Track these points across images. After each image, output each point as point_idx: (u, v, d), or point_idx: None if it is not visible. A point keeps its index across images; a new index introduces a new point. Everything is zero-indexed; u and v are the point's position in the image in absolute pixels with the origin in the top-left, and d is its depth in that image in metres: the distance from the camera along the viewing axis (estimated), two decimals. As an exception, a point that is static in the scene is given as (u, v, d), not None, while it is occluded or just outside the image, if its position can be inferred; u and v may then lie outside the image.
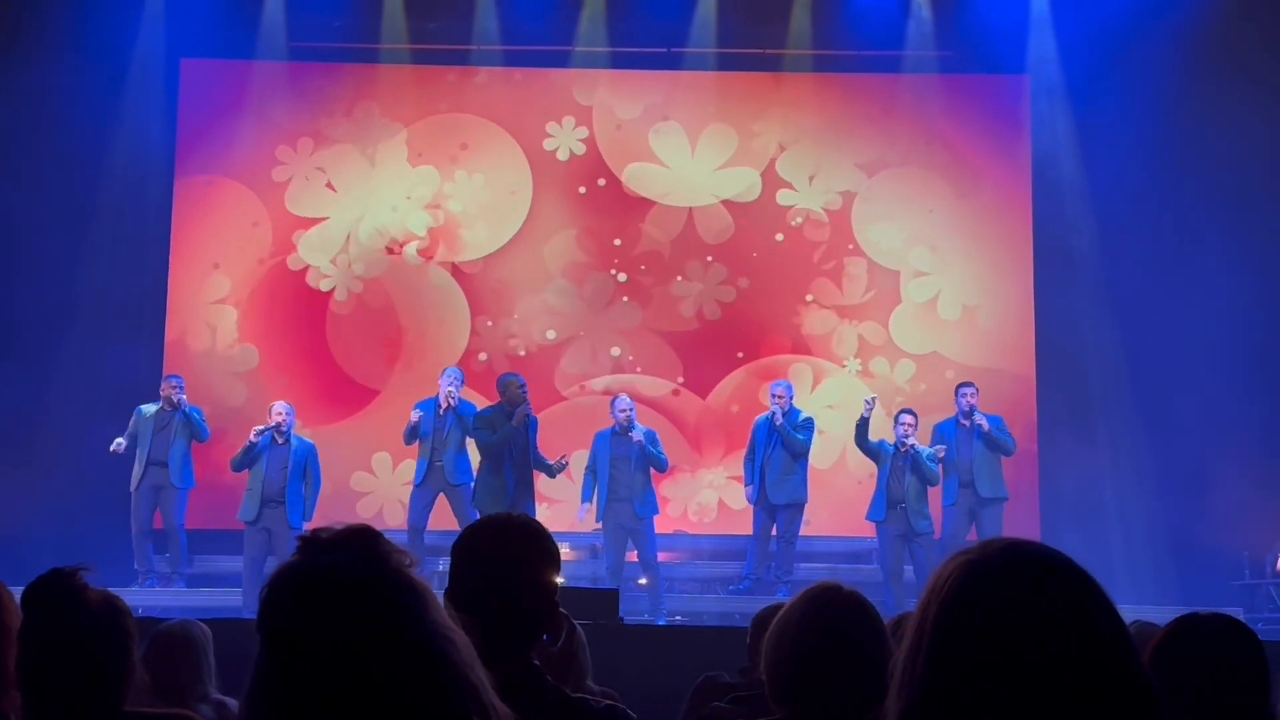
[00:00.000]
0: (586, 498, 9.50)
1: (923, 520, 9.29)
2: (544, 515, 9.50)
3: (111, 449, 9.35)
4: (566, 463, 9.26)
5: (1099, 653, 1.32)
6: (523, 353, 11.05)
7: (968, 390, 9.72)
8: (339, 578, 1.42)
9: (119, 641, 2.30)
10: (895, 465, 9.31)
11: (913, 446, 9.27)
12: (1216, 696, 2.32)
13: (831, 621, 2.34)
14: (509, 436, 8.97)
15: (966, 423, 9.56)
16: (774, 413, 9.46)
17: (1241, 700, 2.35)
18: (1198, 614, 2.46)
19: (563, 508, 10.13)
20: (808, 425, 9.59)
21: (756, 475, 9.50)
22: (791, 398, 9.63)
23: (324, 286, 11.15)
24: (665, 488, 10.54)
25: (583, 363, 11.15)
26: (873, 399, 9.55)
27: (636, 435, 9.32)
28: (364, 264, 11.18)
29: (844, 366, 11.12)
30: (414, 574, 1.46)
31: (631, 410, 9.47)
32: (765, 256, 11.26)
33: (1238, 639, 2.42)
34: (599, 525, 9.47)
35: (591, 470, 9.49)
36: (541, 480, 9.36)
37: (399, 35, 11.39)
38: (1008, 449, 9.65)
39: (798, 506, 9.52)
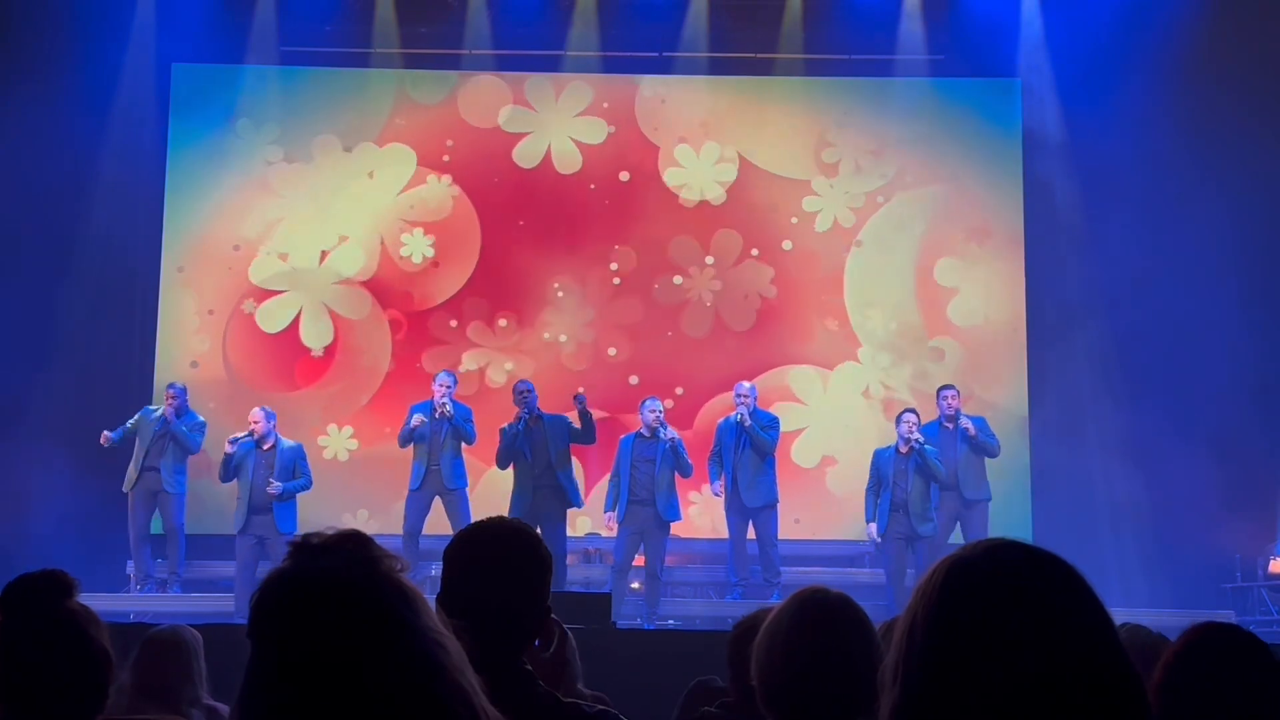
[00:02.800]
0: (610, 507, 9.38)
1: (926, 524, 9.19)
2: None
3: (102, 441, 9.37)
4: (581, 397, 9.32)
5: (1085, 647, 1.34)
6: (510, 364, 11.01)
7: (949, 393, 9.59)
8: (330, 582, 1.42)
9: (95, 648, 2.27)
10: (898, 468, 9.18)
11: (921, 444, 9.13)
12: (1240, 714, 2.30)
13: (820, 625, 2.32)
14: (511, 444, 9.10)
15: (950, 425, 9.46)
16: (740, 414, 9.39)
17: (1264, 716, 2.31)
18: (1210, 627, 2.42)
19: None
20: (774, 424, 9.58)
21: (729, 478, 9.40)
22: (755, 399, 9.59)
23: (303, 297, 11.13)
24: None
25: (578, 366, 11.14)
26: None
27: (666, 434, 9.29)
28: (351, 269, 11.16)
29: (842, 365, 11.14)
30: (405, 578, 1.46)
31: (661, 413, 9.44)
32: (763, 260, 11.26)
33: (1255, 655, 2.37)
34: (611, 528, 9.45)
35: (616, 477, 9.41)
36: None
37: (390, 40, 11.39)
38: (992, 451, 9.54)
39: (771, 507, 9.47)
